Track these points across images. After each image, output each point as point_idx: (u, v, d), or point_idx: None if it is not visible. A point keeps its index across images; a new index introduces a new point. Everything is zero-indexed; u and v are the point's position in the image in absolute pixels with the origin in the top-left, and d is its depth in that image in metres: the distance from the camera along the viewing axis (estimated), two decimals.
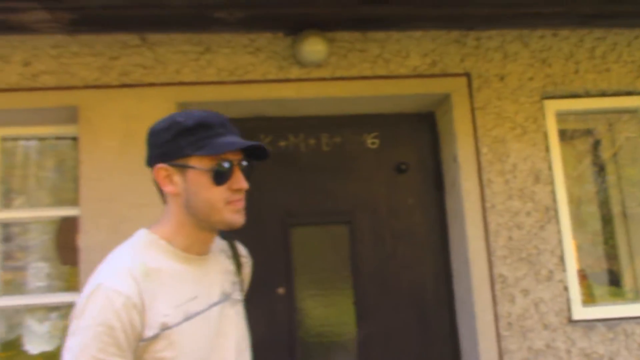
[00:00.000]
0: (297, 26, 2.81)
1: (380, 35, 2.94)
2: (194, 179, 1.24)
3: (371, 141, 3.13)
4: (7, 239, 2.79)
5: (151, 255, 1.25)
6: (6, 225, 2.79)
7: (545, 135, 2.96)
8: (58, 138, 2.91)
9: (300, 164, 3.07)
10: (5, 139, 2.84)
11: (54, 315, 2.79)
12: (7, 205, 2.82)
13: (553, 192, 2.91)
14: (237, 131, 1.32)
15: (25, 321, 2.77)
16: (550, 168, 2.94)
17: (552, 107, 3.03)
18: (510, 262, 2.83)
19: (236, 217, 1.28)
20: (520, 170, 2.90)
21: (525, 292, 2.80)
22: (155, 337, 1.15)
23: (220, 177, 1.25)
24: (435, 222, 3.10)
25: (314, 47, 2.76)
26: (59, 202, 2.85)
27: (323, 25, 2.81)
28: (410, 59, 2.94)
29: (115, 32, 2.75)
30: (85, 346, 1.08)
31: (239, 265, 1.47)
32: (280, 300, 2.91)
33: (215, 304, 1.31)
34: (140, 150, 2.63)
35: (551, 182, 2.92)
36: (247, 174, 1.30)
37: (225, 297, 1.35)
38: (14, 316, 2.78)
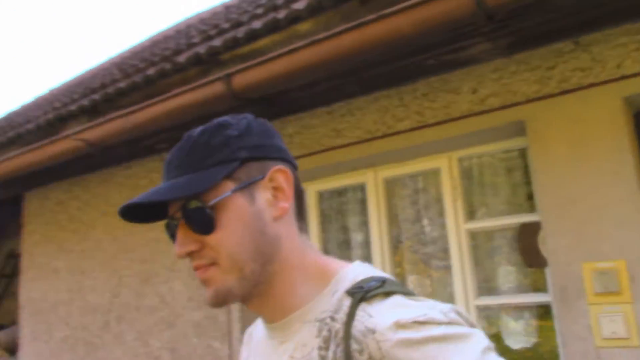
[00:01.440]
0: None
1: None
2: None
3: None
4: (475, 246, 3.17)
5: None
6: (473, 234, 3.19)
7: None
8: (506, 152, 3.18)
9: None
10: (462, 160, 3.28)
11: (526, 314, 3.02)
12: (471, 216, 3.23)
13: None
14: (177, 166, 0.89)
15: (502, 319, 3.10)
16: None
17: None
18: None
19: (205, 291, 0.88)
20: None
21: None
22: None
23: (171, 238, 0.92)
24: None
25: None
26: (516, 210, 3.10)
27: None
28: None
29: (547, 44, 2.86)
30: None
31: (347, 356, 0.79)
32: None
33: None
34: (590, 153, 2.66)
35: None
36: (196, 227, 0.85)
37: None
38: (492, 314, 3.13)
